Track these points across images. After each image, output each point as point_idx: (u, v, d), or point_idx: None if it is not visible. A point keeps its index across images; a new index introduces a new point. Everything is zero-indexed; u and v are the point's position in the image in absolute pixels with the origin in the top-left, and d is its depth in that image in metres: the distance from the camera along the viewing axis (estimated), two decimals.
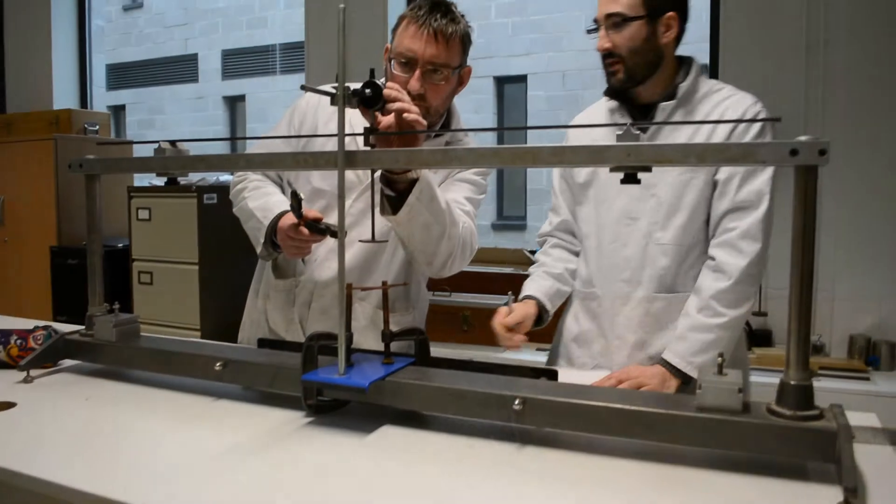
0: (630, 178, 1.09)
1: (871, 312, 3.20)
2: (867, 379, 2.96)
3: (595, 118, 1.90)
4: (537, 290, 1.87)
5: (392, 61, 1.71)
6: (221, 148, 9.58)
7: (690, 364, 1.64)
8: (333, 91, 1.23)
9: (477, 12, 8.97)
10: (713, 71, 3.47)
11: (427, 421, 1.29)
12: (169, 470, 1.11)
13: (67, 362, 1.66)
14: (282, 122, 1.91)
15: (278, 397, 1.39)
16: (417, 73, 1.67)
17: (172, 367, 1.50)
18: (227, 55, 11.61)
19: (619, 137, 1.08)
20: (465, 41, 1.73)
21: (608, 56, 1.74)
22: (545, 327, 1.89)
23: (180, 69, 11.96)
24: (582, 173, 1.89)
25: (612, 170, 1.10)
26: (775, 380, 1.09)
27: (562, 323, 2.00)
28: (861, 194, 3.17)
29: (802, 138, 0.99)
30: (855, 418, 1.14)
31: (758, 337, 3.27)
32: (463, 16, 1.73)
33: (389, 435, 1.24)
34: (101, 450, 1.19)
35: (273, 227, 1.70)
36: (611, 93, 1.82)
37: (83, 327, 1.65)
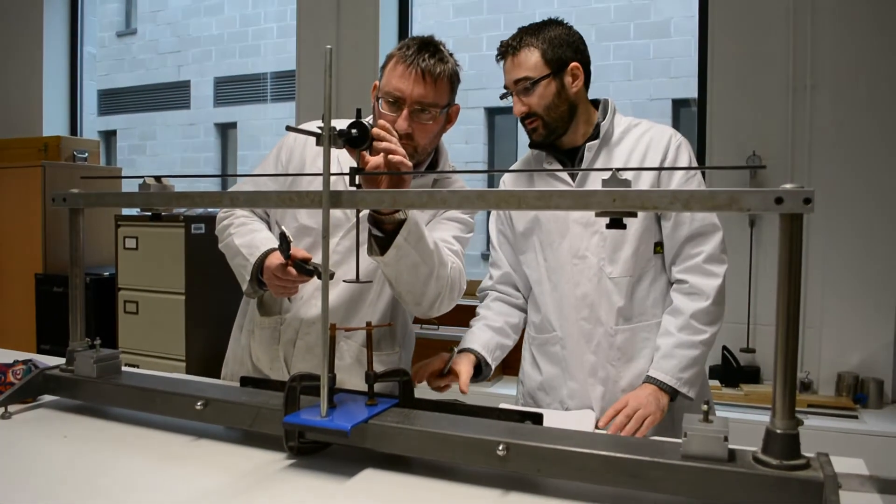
0: (616, 223, 1.09)
1: (859, 350, 3.20)
2: (855, 417, 2.96)
3: (527, 168, 1.97)
4: (477, 342, 1.88)
5: (380, 100, 1.72)
6: (210, 179, 9.55)
7: (679, 380, 1.70)
8: (319, 131, 1.22)
9: (468, 44, 9.03)
10: (701, 114, 3.51)
11: (411, 464, 1.27)
12: None
13: (47, 398, 1.63)
14: (269, 158, 1.91)
15: (260, 437, 1.36)
16: (405, 112, 1.67)
17: (153, 405, 1.48)
18: (220, 82, 11.65)
19: (604, 182, 1.08)
20: (454, 80, 1.74)
21: (526, 117, 1.81)
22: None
23: (172, 95, 11.98)
24: (522, 222, 1.92)
25: (597, 215, 1.10)
26: (763, 417, 1.08)
27: (521, 374, 2.01)
28: (848, 232, 3.19)
29: (787, 186, 0.99)
30: (842, 465, 1.13)
31: (746, 373, 3.27)
32: (451, 54, 1.74)
33: (372, 478, 1.22)
34: (75, 491, 1.16)
35: (259, 265, 1.69)
36: (536, 146, 1.88)
37: (64, 361, 1.63)
